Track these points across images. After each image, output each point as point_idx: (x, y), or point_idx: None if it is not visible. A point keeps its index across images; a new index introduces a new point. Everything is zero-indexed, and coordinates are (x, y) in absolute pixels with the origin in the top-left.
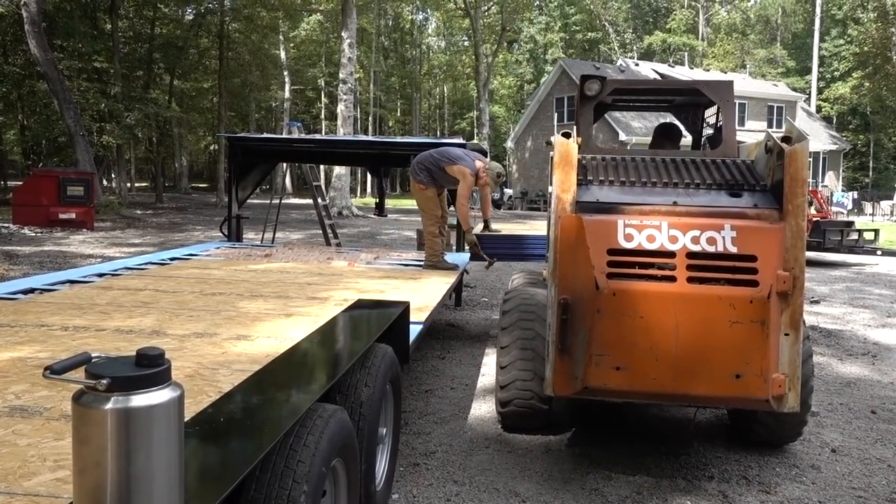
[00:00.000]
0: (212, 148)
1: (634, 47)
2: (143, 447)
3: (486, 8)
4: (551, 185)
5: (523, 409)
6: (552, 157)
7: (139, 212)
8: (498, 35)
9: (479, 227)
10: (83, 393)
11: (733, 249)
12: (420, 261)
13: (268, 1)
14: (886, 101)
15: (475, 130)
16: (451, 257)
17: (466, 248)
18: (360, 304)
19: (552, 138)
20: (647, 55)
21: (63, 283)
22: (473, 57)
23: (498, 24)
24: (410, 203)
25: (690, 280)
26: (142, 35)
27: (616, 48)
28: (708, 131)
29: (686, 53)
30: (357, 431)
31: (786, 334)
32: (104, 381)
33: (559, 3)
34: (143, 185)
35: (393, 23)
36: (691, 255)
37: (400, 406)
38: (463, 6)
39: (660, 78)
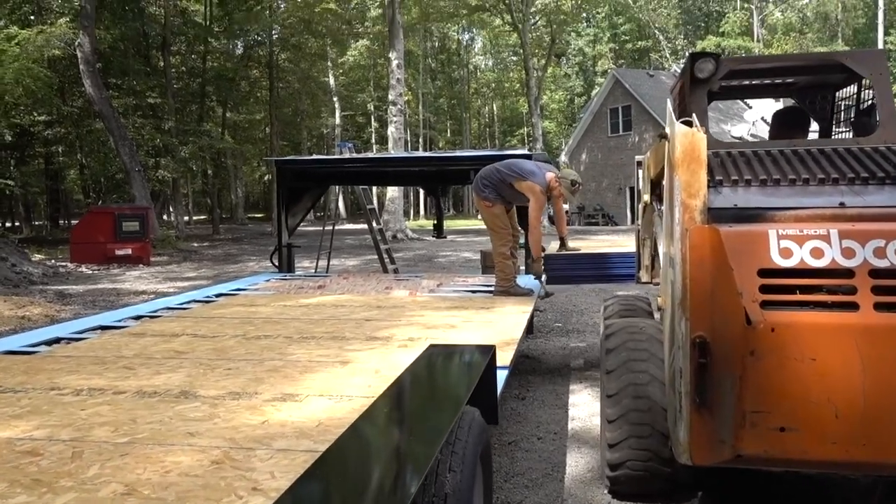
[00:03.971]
0: (266, 178)
1: (686, 53)
2: None
3: (533, 21)
4: (643, 190)
5: (639, 472)
6: (653, 156)
7: (196, 244)
8: (547, 48)
9: (553, 246)
10: None
11: None
12: (488, 286)
13: (315, 28)
14: None
15: (527, 147)
16: (522, 280)
17: (532, 276)
18: (433, 350)
19: (667, 129)
20: None
21: (94, 329)
22: (523, 72)
23: (547, 35)
24: (465, 223)
25: (879, 307)
26: (194, 69)
27: (668, 55)
28: (838, 116)
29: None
30: None
31: None
32: None
33: (607, 13)
34: (201, 217)
35: (439, 44)
36: (876, 272)
37: (491, 486)
38: (511, 20)
39: None
